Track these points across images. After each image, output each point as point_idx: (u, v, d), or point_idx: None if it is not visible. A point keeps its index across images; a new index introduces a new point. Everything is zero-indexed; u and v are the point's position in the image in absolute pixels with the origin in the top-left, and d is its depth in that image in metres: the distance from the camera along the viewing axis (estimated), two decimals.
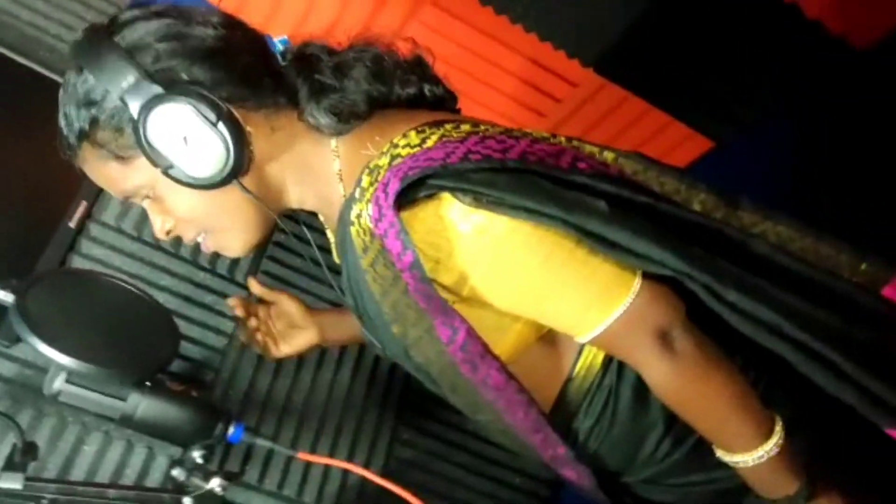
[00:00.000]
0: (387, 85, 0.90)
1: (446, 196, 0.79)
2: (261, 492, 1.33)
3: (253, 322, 1.19)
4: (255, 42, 0.88)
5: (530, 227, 0.78)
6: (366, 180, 0.80)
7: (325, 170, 0.88)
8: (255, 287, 1.22)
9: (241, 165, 0.82)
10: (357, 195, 0.81)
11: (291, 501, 1.35)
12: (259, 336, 1.19)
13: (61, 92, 0.84)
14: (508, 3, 1.66)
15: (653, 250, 0.77)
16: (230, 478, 0.82)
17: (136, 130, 0.79)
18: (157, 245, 1.37)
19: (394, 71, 0.90)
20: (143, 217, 1.33)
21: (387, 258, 0.79)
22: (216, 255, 1.42)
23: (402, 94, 0.91)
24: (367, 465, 1.43)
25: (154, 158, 0.81)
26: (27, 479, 0.76)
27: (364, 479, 1.26)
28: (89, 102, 0.81)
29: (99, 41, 0.81)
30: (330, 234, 1.00)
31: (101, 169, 0.86)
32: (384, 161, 0.80)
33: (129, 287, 0.89)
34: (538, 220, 0.77)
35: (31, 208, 1.29)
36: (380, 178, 0.79)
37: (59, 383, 0.77)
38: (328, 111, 0.86)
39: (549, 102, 1.84)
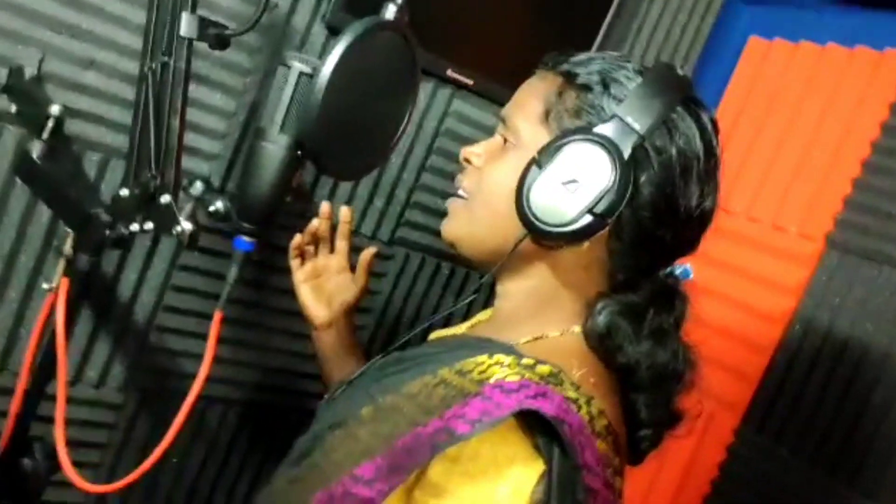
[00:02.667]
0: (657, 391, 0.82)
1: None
2: None
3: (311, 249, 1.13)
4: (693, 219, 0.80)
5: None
6: (521, 361, 0.72)
7: (554, 306, 0.83)
8: (347, 215, 1.12)
9: (573, 239, 0.76)
10: (508, 359, 0.73)
11: None
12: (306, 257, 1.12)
13: (614, 58, 0.81)
14: None
15: None
16: None
17: (585, 129, 0.75)
18: None
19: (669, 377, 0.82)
20: None
21: (451, 403, 0.70)
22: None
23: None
24: None
25: (553, 152, 0.75)
26: None
27: None
28: (607, 83, 0.78)
29: (669, 81, 0.78)
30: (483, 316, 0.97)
31: (536, 98, 0.81)
32: (544, 370, 0.72)
33: None
34: None
35: None
36: (526, 379, 0.70)
37: None
38: (603, 322, 0.79)
39: None
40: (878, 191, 1.38)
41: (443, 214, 1.49)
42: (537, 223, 0.75)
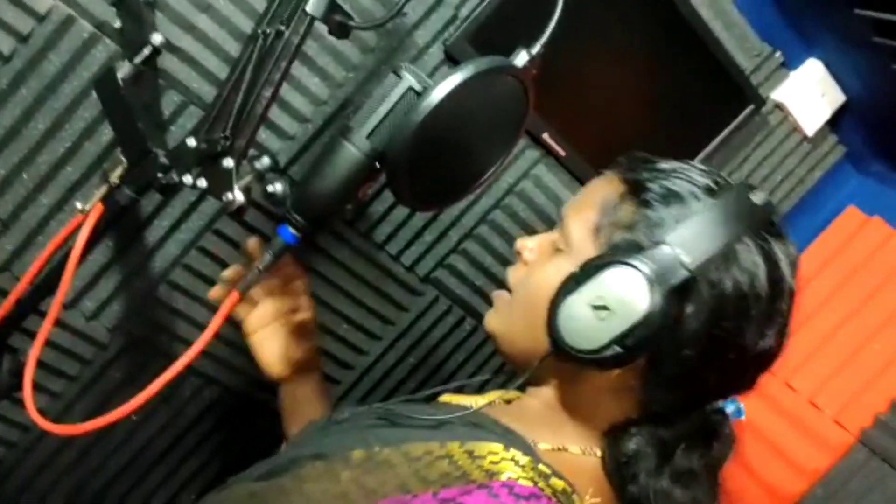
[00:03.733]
0: None
1: None
2: None
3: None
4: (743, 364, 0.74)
5: None
6: (537, 467, 0.67)
7: (576, 423, 0.77)
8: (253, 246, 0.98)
9: (597, 366, 0.69)
10: (524, 459, 0.67)
11: None
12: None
13: (688, 171, 0.74)
14: None
15: None
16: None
17: (632, 252, 0.68)
18: None
19: None
20: None
21: (450, 483, 0.65)
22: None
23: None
24: None
25: (597, 269, 0.68)
26: None
27: None
28: (669, 199, 0.72)
29: (741, 207, 0.71)
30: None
31: (593, 204, 0.76)
32: (559, 484, 0.66)
33: None
34: None
35: None
36: (539, 489, 0.64)
37: None
38: (627, 449, 0.73)
39: None
40: None
41: (486, 272, 1.49)
42: (562, 343, 0.69)
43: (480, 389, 1.08)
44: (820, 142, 1.59)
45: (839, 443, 1.34)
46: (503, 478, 0.64)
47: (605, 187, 0.77)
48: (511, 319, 0.81)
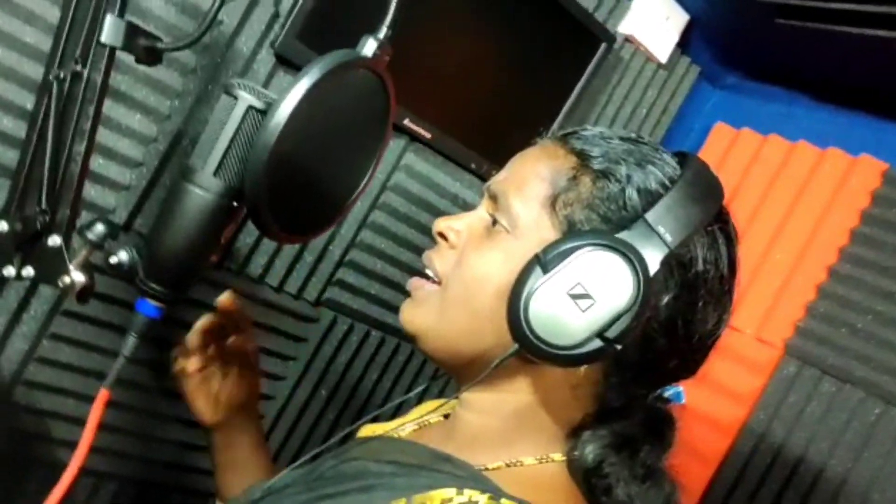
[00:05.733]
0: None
1: None
2: None
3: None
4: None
5: None
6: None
7: (531, 428, 0.68)
8: (227, 302, 0.92)
9: (571, 363, 0.61)
10: (483, 499, 0.58)
11: None
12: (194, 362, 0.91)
13: (629, 145, 0.66)
14: None
15: None
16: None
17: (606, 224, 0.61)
18: None
19: None
20: None
21: None
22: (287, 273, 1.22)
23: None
24: None
25: (572, 247, 0.59)
26: None
27: None
28: (633, 175, 0.64)
29: (709, 185, 0.65)
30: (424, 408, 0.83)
31: (539, 178, 0.66)
32: None
33: None
34: None
35: None
36: None
37: None
38: (592, 456, 0.65)
39: None
40: (843, 301, 1.31)
41: (379, 278, 1.37)
42: (533, 339, 0.59)
43: (419, 401, 0.97)
44: (674, 66, 1.58)
45: (767, 360, 1.34)
46: None
47: (548, 160, 0.67)
48: (445, 315, 0.68)
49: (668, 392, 0.72)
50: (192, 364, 0.92)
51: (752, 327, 1.38)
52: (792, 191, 1.42)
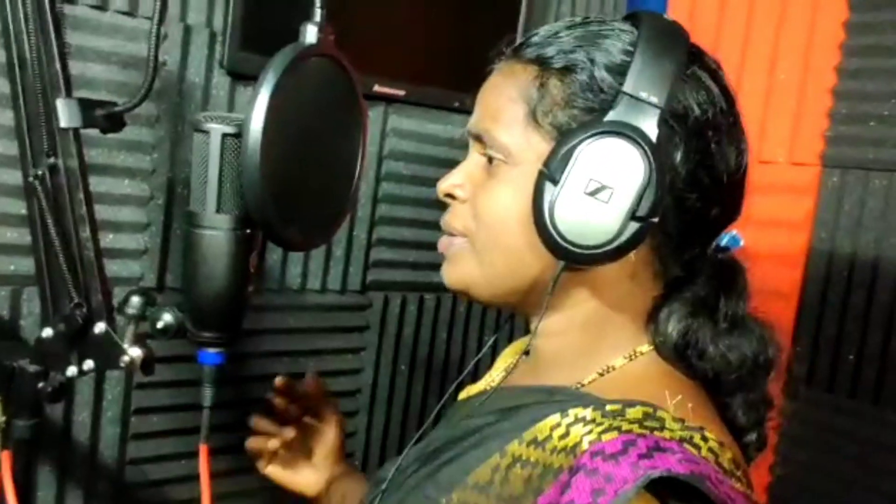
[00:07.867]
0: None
1: None
2: None
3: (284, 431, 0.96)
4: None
5: None
6: (605, 410, 0.59)
7: (609, 331, 0.68)
8: (311, 383, 0.98)
9: (618, 255, 0.60)
10: (595, 412, 0.59)
11: None
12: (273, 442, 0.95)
13: (579, 30, 0.66)
14: None
15: None
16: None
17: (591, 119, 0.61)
18: None
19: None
20: None
21: (540, 486, 0.57)
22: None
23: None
24: None
25: (566, 154, 0.59)
26: None
27: None
28: (594, 56, 0.63)
29: (667, 33, 0.64)
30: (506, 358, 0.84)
31: (510, 100, 0.65)
32: (636, 413, 0.59)
33: None
34: None
35: None
36: (625, 432, 0.56)
37: None
38: (675, 330, 0.66)
39: None
40: (861, 94, 1.28)
41: (411, 244, 1.38)
42: (573, 248, 0.59)
43: (494, 354, 0.98)
44: None
45: (809, 179, 1.32)
46: (585, 447, 0.56)
47: (510, 80, 0.67)
48: (482, 262, 0.68)
49: (724, 240, 0.72)
50: (272, 443, 0.94)
51: (783, 155, 1.35)
52: (775, 6, 1.37)
